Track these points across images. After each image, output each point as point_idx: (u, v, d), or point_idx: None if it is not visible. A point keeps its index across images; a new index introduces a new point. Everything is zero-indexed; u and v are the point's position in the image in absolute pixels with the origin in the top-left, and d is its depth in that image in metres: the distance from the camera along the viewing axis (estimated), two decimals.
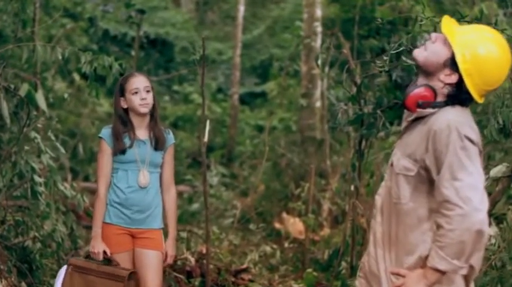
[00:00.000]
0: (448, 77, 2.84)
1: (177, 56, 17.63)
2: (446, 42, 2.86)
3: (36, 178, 5.43)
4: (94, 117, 11.74)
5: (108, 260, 4.09)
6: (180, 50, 17.53)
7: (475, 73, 2.80)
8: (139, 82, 4.15)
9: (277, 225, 8.92)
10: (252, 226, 8.46)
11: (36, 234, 5.36)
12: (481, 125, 6.50)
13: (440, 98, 2.86)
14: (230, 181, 11.61)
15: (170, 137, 4.29)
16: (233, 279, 6.18)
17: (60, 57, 5.17)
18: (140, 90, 4.12)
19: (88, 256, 4.14)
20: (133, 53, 15.27)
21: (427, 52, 2.88)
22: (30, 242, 5.29)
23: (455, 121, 2.75)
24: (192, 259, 6.13)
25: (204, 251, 5.85)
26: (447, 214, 2.68)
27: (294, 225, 8.60)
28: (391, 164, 3.00)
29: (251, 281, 6.29)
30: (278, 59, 16.19)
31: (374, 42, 9.63)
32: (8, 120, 5.12)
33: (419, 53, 2.89)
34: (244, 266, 6.57)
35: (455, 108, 2.85)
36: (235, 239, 7.69)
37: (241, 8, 14.81)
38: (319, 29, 10.33)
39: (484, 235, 2.64)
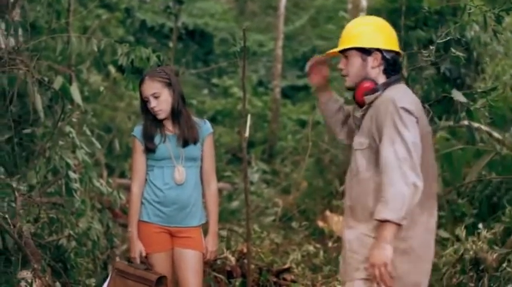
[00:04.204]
0: (374, 61, 3.41)
1: (216, 48, 17.55)
2: (341, 56, 3.52)
3: (71, 174, 5.49)
4: (130, 112, 11.69)
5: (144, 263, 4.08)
6: (220, 41, 17.44)
7: (374, 37, 3.42)
8: (146, 90, 4.04)
9: (320, 223, 8.82)
10: (294, 225, 8.44)
11: (71, 232, 5.31)
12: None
13: (382, 80, 3.42)
14: (271, 177, 11.59)
15: (206, 127, 4.16)
16: (275, 279, 6.08)
17: (95, 49, 5.15)
18: (149, 99, 4.03)
19: (129, 259, 4.15)
20: (171, 44, 15.24)
21: (348, 77, 3.49)
22: (65, 241, 5.24)
23: (392, 96, 3.28)
24: (233, 259, 6.08)
25: (245, 250, 5.80)
26: (388, 172, 3.17)
27: (338, 223, 8.46)
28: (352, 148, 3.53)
29: (293, 281, 6.20)
30: (321, 51, 15.94)
31: (421, 33, 9.36)
32: (42, 114, 5.16)
33: (346, 84, 3.52)
34: (287, 266, 6.47)
35: (396, 87, 3.39)
36: (277, 238, 7.60)
37: None
38: None
39: (419, 190, 3.14)
